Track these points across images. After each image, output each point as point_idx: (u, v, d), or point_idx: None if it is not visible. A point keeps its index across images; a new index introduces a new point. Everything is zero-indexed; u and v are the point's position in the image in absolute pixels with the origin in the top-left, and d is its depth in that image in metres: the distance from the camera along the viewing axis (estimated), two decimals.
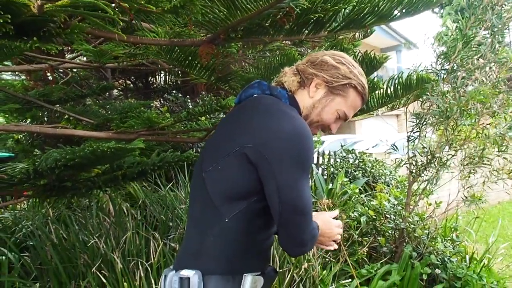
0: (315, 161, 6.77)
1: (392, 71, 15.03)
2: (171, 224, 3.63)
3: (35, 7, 1.11)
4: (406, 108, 3.59)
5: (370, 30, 2.92)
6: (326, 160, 6.46)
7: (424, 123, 3.63)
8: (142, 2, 1.31)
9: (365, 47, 2.85)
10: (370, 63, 2.63)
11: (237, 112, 1.47)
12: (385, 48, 16.81)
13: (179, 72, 6.04)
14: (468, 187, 3.67)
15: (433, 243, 3.64)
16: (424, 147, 3.64)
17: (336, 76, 1.44)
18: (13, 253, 3.14)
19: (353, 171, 5.87)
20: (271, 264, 1.54)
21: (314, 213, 1.45)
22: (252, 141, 1.28)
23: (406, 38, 16.87)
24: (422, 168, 3.65)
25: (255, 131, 1.30)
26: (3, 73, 5.29)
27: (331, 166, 6.20)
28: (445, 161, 3.51)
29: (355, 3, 1.89)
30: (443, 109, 3.27)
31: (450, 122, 3.37)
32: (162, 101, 6.63)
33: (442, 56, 3.51)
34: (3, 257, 3.02)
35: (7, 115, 4.57)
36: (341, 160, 6.30)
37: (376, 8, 1.96)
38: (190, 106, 5.78)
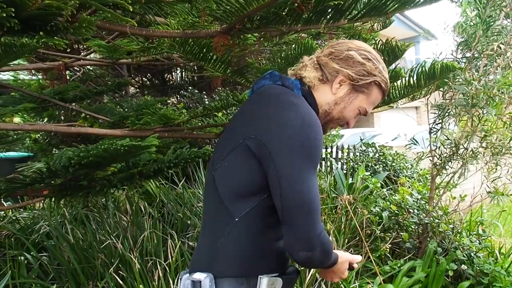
0: (334, 155, 6.68)
1: (411, 63, 14.81)
2: (189, 222, 3.58)
3: None
4: (427, 99, 3.48)
5: (389, 20, 2.82)
6: (346, 154, 6.36)
7: (447, 114, 3.51)
8: None
9: (382, 39, 2.74)
10: (391, 52, 2.52)
11: (245, 105, 1.41)
12: (403, 40, 16.48)
13: (195, 68, 6.00)
14: (493, 180, 3.55)
15: (458, 237, 3.52)
16: (447, 139, 3.53)
17: (362, 74, 1.36)
18: (31, 254, 3.12)
19: (373, 165, 5.76)
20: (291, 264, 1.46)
21: (338, 252, 1.38)
22: (254, 132, 1.22)
23: (424, 28, 16.58)
24: (447, 160, 3.53)
25: (258, 121, 1.25)
26: (19, 72, 5.30)
27: (350, 160, 6.10)
28: (473, 153, 3.39)
29: None
30: (468, 97, 3.16)
31: (476, 111, 3.26)
32: (178, 98, 6.59)
33: (462, 44, 3.40)
34: (22, 258, 3.00)
35: (24, 115, 4.58)
36: (361, 154, 6.20)
37: None
38: (207, 102, 5.73)
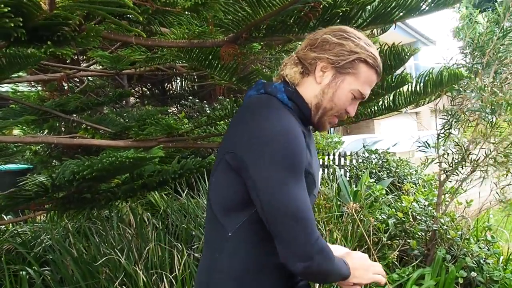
0: (336, 162, 6.64)
1: (410, 69, 14.81)
2: (194, 233, 3.53)
3: (46, 4, 1.01)
4: (436, 104, 3.45)
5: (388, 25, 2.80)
6: (348, 161, 6.33)
7: (455, 120, 3.47)
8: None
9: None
10: (397, 56, 2.48)
11: (232, 118, 1.38)
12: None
13: (195, 78, 5.99)
14: (502, 188, 3.51)
15: (466, 244, 3.48)
16: (457, 144, 3.49)
17: (341, 54, 1.28)
18: (33, 268, 3.07)
19: (377, 172, 5.73)
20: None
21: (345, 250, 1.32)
22: (232, 147, 1.20)
23: (422, 34, 16.60)
24: (456, 166, 3.49)
25: (234, 136, 1.22)
26: (18, 84, 5.27)
27: (354, 167, 6.07)
28: (485, 160, 3.36)
29: None
30: (486, 104, 3.12)
31: (493, 117, 3.22)
32: (178, 107, 6.58)
33: (477, 50, 3.36)
34: (24, 273, 2.95)
35: (24, 127, 4.55)
36: (364, 161, 6.17)
37: (404, 1, 1.83)
38: (208, 111, 5.71)
